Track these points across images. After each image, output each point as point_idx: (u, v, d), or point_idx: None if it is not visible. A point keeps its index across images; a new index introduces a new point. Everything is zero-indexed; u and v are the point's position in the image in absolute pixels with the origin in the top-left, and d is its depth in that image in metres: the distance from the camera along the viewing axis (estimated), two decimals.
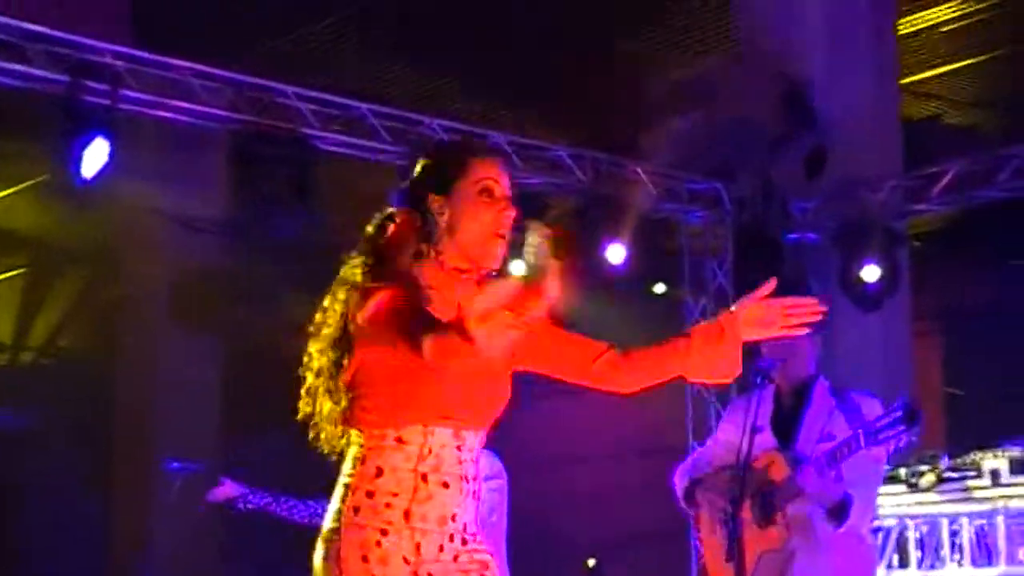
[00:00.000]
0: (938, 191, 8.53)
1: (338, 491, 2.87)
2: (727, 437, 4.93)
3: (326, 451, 2.95)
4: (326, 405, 2.92)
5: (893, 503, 6.40)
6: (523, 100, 9.71)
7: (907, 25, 9.15)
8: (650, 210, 8.62)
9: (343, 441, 2.91)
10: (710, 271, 9.06)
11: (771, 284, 2.91)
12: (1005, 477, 6.21)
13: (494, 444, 5.65)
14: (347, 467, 2.88)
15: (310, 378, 2.94)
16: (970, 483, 6.28)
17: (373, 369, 2.83)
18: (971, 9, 9.17)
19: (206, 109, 7.22)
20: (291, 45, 9.31)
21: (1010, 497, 6.17)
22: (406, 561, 2.78)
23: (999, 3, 9.04)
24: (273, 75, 7.49)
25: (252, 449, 10.13)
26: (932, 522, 6.44)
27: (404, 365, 2.74)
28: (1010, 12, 9.07)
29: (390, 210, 2.98)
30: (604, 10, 9.67)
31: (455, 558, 2.85)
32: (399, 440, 2.83)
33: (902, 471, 6.34)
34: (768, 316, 2.91)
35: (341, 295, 2.89)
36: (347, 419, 2.89)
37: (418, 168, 3.01)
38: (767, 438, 4.76)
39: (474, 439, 2.92)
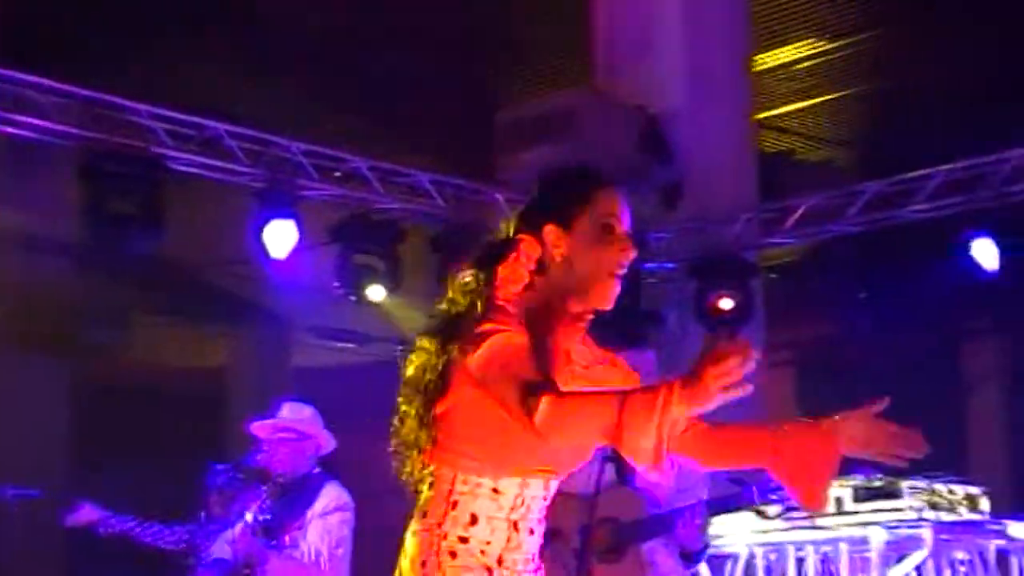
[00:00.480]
0: (791, 224, 8.70)
1: (421, 533, 2.73)
2: None
3: (406, 480, 2.81)
4: (411, 430, 2.77)
5: (742, 531, 6.46)
6: (384, 124, 9.66)
7: (763, 61, 9.33)
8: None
9: (423, 473, 2.77)
10: None
11: (882, 402, 2.71)
12: (848, 505, 6.32)
13: (343, 476, 5.59)
14: (432, 507, 2.74)
15: (403, 406, 2.80)
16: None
17: (473, 412, 2.68)
18: (825, 48, 9.40)
19: (53, 125, 7.04)
20: (146, 63, 9.13)
21: (852, 525, 6.29)
22: None
23: (852, 43, 9.27)
24: (127, 93, 7.34)
25: (102, 477, 9.88)
26: (779, 549, 6.53)
27: (505, 417, 2.61)
28: (862, 51, 9.31)
29: (511, 232, 2.80)
30: (470, 37, 9.70)
31: None
32: (495, 491, 2.73)
33: None
34: (873, 436, 2.69)
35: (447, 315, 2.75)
36: (435, 454, 2.75)
37: (537, 193, 2.85)
38: (609, 469, 4.77)
39: (556, 484, 2.84)
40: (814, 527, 6.40)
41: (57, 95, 7.06)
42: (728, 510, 4.59)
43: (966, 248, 7.95)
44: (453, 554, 2.70)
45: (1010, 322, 10.75)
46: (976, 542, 6.37)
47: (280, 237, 7.59)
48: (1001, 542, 6.41)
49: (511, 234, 2.80)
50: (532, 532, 2.79)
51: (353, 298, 8.29)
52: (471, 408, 2.68)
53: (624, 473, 4.77)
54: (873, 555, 6.20)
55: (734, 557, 6.54)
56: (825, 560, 6.47)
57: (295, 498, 5.38)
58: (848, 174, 9.64)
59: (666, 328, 8.80)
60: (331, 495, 5.36)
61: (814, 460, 2.63)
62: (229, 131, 7.62)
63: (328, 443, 5.50)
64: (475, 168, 8.95)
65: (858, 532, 6.25)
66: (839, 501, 6.31)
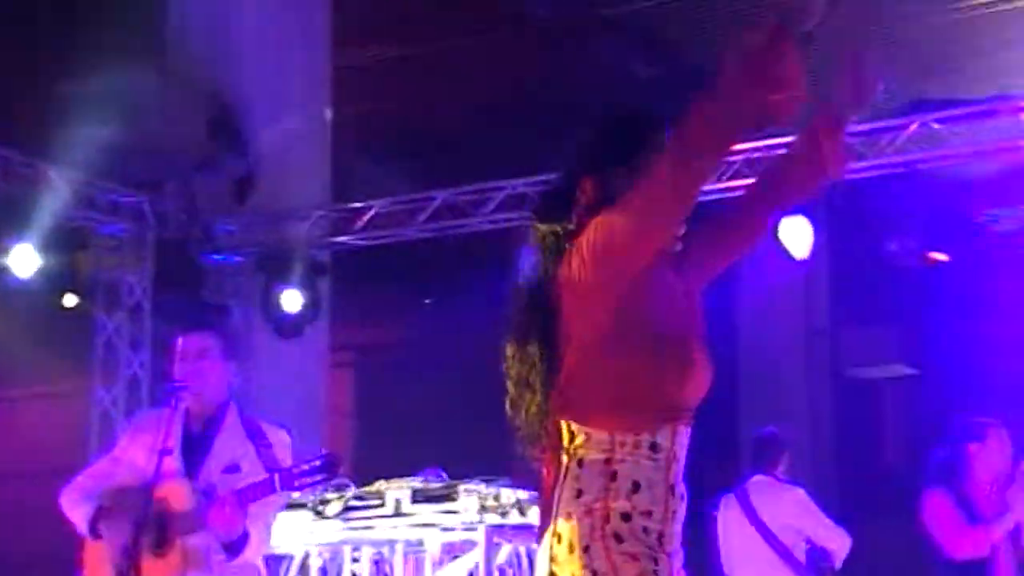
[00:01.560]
0: (361, 226, 8.68)
1: (579, 516, 2.46)
2: (130, 456, 4.67)
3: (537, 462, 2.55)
4: (531, 407, 2.56)
5: (299, 531, 6.34)
6: None
7: (344, 58, 9.28)
8: (64, 217, 8.14)
9: (563, 448, 2.52)
10: (127, 287, 8.66)
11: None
12: (406, 507, 6.34)
13: None
14: (587, 483, 2.48)
15: (512, 389, 2.59)
16: (373, 512, 6.36)
17: (607, 349, 2.49)
18: (406, 52, 9.47)
19: None
20: None
21: (409, 526, 6.32)
22: None
23: (432, 49, 9.38)
24: None
25: None
26: (336, 550, 6.47)
27: (639, 334, 2.46)
28: (442, 57, 9.45)
29: (574, 176, 2.68)
30: (31, 4, 9.12)
31: None
32: (653, 448, 2.50)
33: (309, 499, 6.30)
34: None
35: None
36: (580, 416, 2.50)
37: (598, 135, 2.75)
38: (174, 462, 4.55)
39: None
40: (370, 528, 6.37)
41: None
42: (255, 498, 4.47)
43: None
44: (619, 538, 2.47)
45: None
46: (526, 545, 6.55)
47: None
48: None
49: (567, 176, 2.72)
50: (683, 499, 2.60)
51: None
52: (605, 344, 2.53)
53: (191, 465, 4.56)
54: (428, 556, 6.25)
55: (289, 558, 6.40)
56: (380, 561, 6.47)
57: None
58: (420, 180, 9.74)
59: (230, 321, 8.57)
60: None
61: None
62: None
63: None
64: (28, 141, 8.36)
65: (415, 534, 6.28)
66: (398, 503, 6.32)
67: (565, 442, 2.57)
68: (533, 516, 6.59)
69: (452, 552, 6.34)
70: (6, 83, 9.33)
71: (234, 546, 4.50)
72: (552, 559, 2.55)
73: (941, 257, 7.33)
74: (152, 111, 8.38)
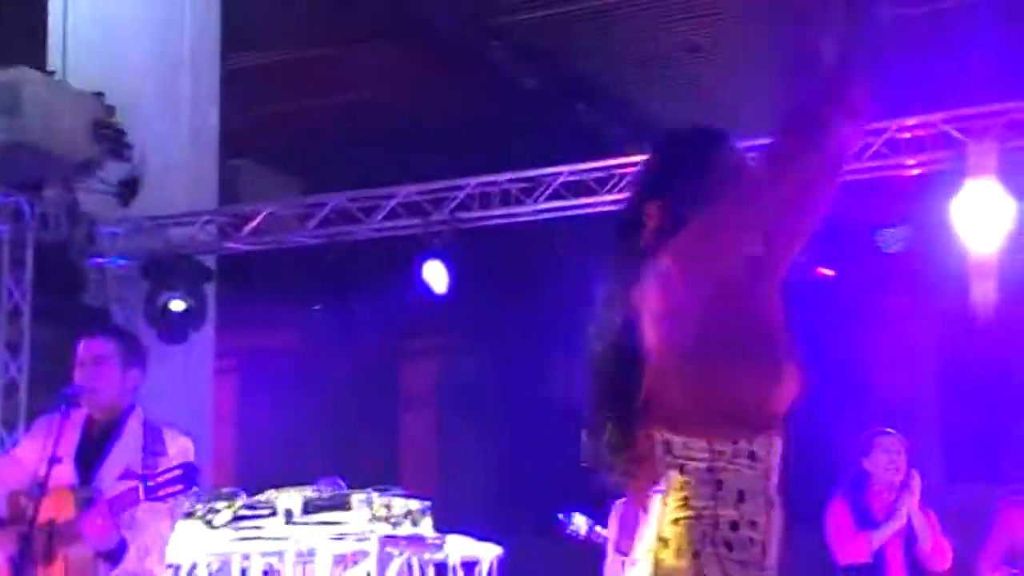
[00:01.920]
0: (249, 231, 8.57)
1: (688, 521, 2.44)
2: (24, 457, 4.57)
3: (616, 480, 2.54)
4: (612, 430, 2.52)
5: (189, 540, 6.24)
6: None
7: (233, 61, 9.17)
8: None
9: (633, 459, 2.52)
10: (6, 289, 8.43)
11: None
12: (297, 516, 6.29)
13: None
14: (695, 492, 2.45)
15: (592, 416, 2.55)
16: (263, 521, 6.30)
17: (692, 359, 2.46)
18: (296, 56, 9.41)
19: None
20: None
21: (301, 535, 6.27)
22: None
23: (327, 51, 9.34)
24: None
25: None
26: (224, 559, 6.39)
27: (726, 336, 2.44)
28: (332, 63, 9.40)
29: (639, 202, 2.69)
30: None
31: None
32: (752, 457, 2.46)
33: (199, 508, 6.22)
34: None
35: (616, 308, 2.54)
36: (671, 425, 2.47)
37: (657, 158, 2.75)
38: (67, 469, 4.47)
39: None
40: (261, 537, 6.30)
41: None
42: (123, 508, 4.40)
43: (418, 269, 8.17)
44: (728, 545, 2.46)
45: (445, 346, 11.22)
46: (418, 556, 6.54)
47: None
48: (440, 555, 6.62)
49: (632, 202, 2.72)
50: (779, 511, 2.56)
51: None
52: (693, 355, 2.50)
53: (85, 472, 4.47)
54: (318, 565, 6.20)
55: (176, 567, 6.29)
56: (269, 571, 6.40)
57: None
58: (310, 185, 9.66)
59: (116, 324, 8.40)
60: None
61: None
62: None
63: None
64: None
65: (306, 543, 6.23)
66: (289, 512, 6.27)
67: (659, 453, 2.55)
68: (425, 527, 6.59)
69: (344, 562, 6.30)
70: None
71: (112, 555, 4.43)
72: (657, 564, 2.53)
73: (827, 272, 7.47)
74: (34, 111, 8.19)
